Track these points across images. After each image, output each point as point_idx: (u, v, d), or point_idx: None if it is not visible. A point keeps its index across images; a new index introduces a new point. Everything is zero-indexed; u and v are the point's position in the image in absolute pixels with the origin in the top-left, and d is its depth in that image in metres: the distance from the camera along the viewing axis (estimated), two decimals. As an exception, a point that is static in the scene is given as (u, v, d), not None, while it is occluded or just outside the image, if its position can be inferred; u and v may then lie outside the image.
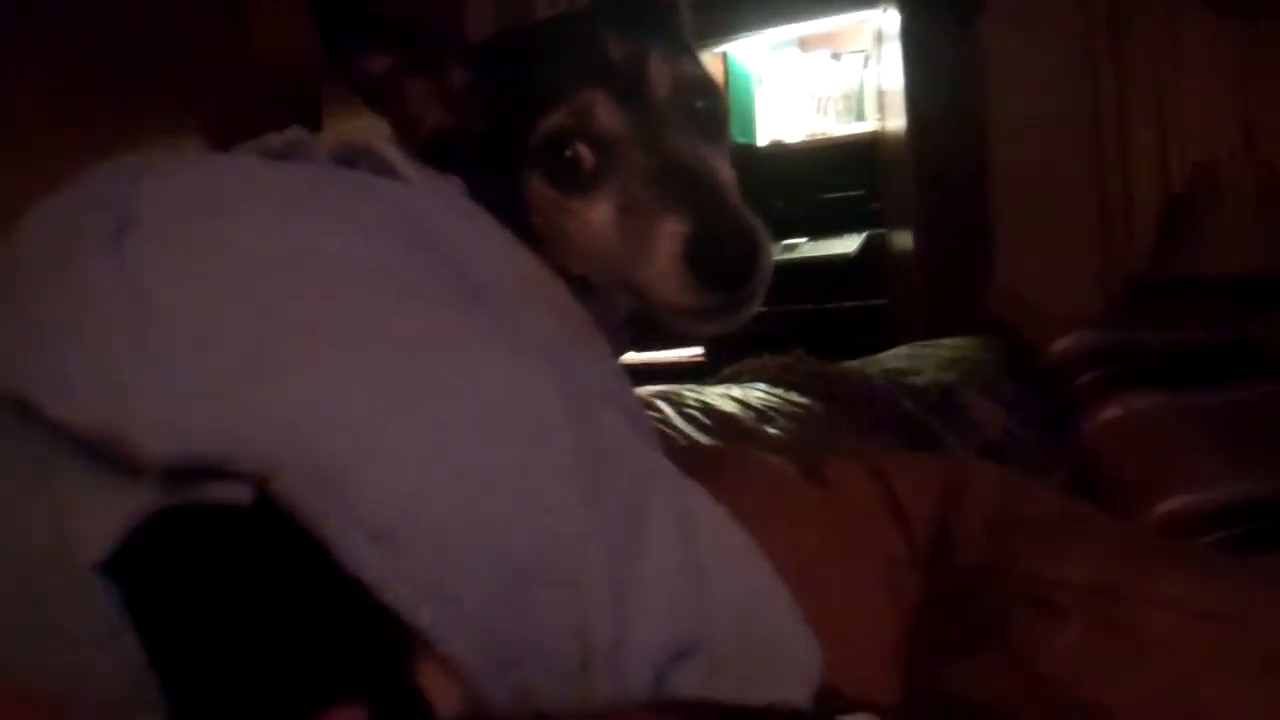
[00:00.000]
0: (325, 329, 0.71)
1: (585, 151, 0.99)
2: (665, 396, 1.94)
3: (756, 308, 0.97)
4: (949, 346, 2.57)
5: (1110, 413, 2.28)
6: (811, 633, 0.79)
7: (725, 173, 1.03)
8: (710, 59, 3.94)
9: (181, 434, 0.64)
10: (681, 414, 1.88)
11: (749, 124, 4.09)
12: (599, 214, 0.99)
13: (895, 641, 0.96)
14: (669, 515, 0.76)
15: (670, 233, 0.92)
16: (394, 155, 0.94)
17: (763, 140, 4.08)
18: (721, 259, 0.92)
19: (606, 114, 0.99)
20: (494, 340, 0.77)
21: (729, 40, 3.92)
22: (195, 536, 0.66)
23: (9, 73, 3.00)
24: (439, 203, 0.92)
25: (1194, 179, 3.21)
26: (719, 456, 1.27)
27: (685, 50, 1.09)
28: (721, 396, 2.02)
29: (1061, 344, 2.38)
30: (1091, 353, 2.35)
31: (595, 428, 0.76)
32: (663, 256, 0.92)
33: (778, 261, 3.14)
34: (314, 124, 3.43)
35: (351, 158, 0.94)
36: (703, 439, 1.81)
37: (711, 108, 1.05)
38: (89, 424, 0.64)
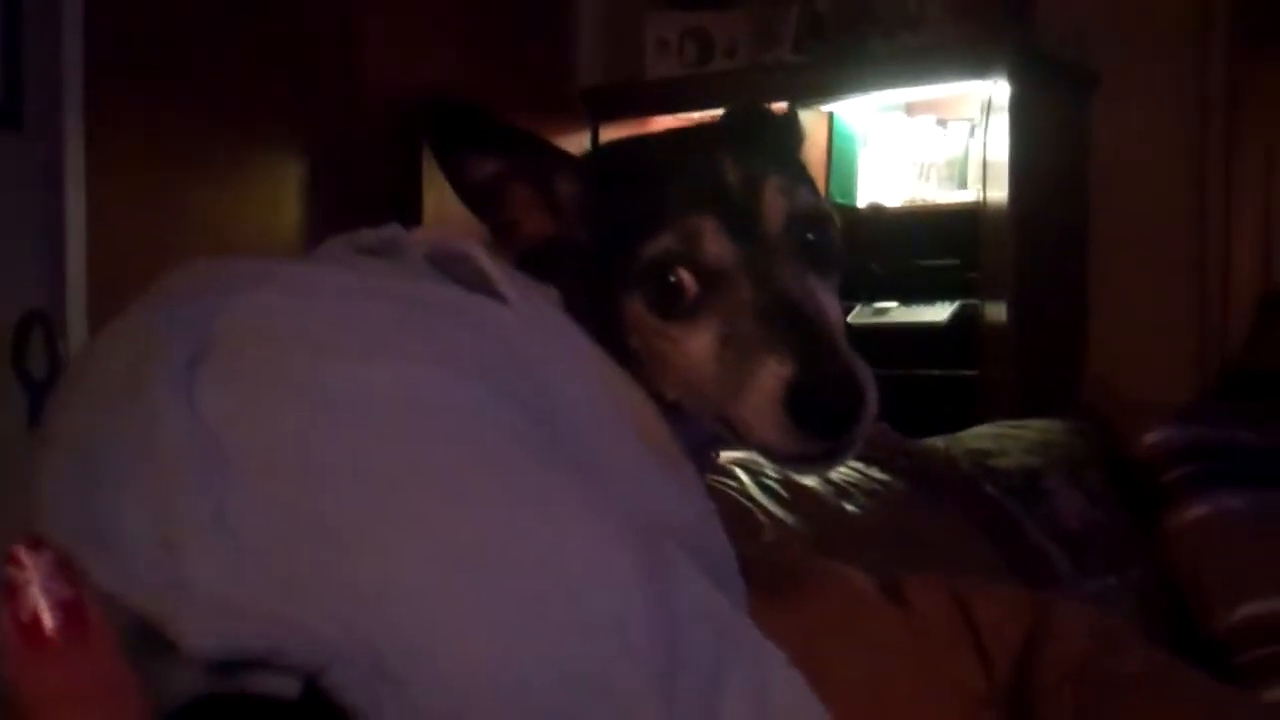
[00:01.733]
0: (404, 490, 0.66)
1: (689, 279, 0.96)
2: (744, 466, 1.93)
3: (855, 453, 0.93)
4: (1036, 429, 2.53)
5: (1196, 511, 2.23)
6: None
7: (835, 312, 0.99)
8: (815, 118, 3.94)
9: (231, 624, 0.59)
10: (759, 485, 1.87)
11: (850, 186, 4.07)
12: (699, 344, 0.96)
13: None
14: (746, 692, 0.71)
15: (773, 373, 0.89)
16: (490, 266, 0.91)
17: (863, 203, 4.06)
18: (824, 407, 0.89)
19: (715, 242, 0.96)
20: (577, 504, 0.72)
21: (835, 100, 3.92)
22: None
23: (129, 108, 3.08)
24: (533, 324, 0.89)
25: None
26: (799, 569, 1.25)
27: (802, 177, 1.05)
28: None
29: (1151, 436, 2.34)
30: (1182, 448, 2.31)
31: (675, 594, 0.72)
32: (762, 397, 0.90)
33: (868, 324, 3.13)
34: (417, 159, 3.46)
35: (448, 263, 0.92)
36: (780, 512, 1.80)
37: (825, 241, 1.01)
38: (135, 603, 0.59)
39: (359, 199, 3.37)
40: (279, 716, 0.60)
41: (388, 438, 0.68)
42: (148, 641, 0.58)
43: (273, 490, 0.65)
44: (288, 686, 0.59)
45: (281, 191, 3.47)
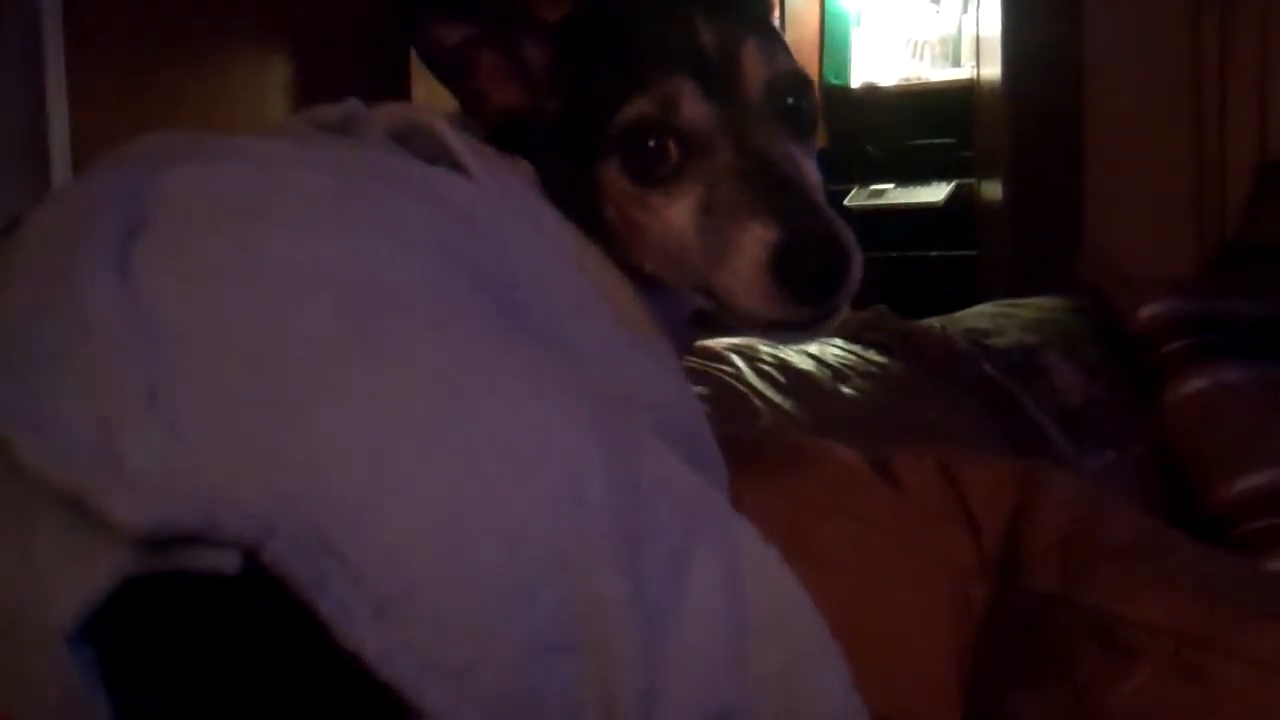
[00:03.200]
0: (342, 363, 0.64)
1: (669, 144, 0.93)
2: (740, 351, 1.91)
3: (841, 319, 0.92)
4: (1033, 307, 2.51)
5: (1195, 384, 2.22)
6: (859, 697, 0.74)
7: (815, 177, 0.97)
8: (808, -2, 3.89)
9: (165, 500, 0.57)
10: (756, 370, 1.86)
11: (844, 65, 4.01)
12: (679, 212, 0.93)
13: (959, 655, 0.93)
14: (713, 567, 0.70)
15: (757, 238, 0.87)
16: (455, 139, 0.89)
17: (856, 82, 4.00)
18: (810, 271, 0.87)
19: (694, 106, 0.93)
20: (532, 376, 0.71)
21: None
22: (179, 602, 0.60)
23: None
24: (496, 198, 0.87)
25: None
26: (788, 448, 1.24)
27: (777, 39, 1.02)
28: (798, 352, 1.99)
29: (1149, 310, 2.32)
30: (1180, 321, 2.29)
31: (637, 467, 0.70)
32: (747, 264, 0.88)
33: (864, 206, 3.10)
34: (403, 55, 3.41)
35: (409, 136, 0.90)
36: (777, 397, 1.79)
37: (804, 106, 0.99)
38: (66, 484, 0.57)
39: (345, 88, 3.28)
40: (219, 596, 0.59)
41: (330, 310, 0.67)
42: (82, 521, 0.57)
43: (210, 365, 0.63)
44: (226, 562, 0.58)
45: (267, 81, 3.43)
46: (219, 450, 0.61)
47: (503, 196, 0.88)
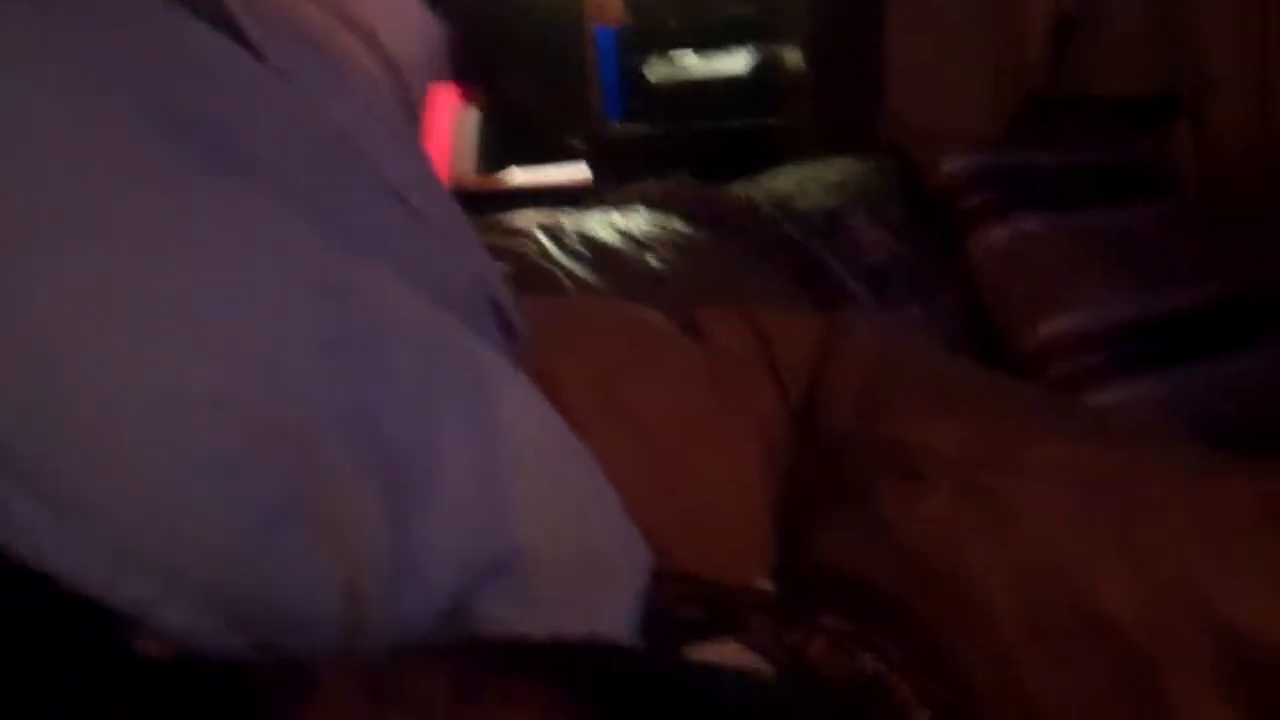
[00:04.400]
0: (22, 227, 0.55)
1: None
2: (544, 227, 1.88)
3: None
4: (836, 169, 2.51)
5: (997, 234, 2.25)
6: (643, 542, 0.71)
7: None
8: None
9: None
10: (560, 247, 1.83)
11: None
12: None
13: (769, 504, 0.93)
14: (463, 410, 0.65)
15: None
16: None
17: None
18: None
19: None
20: (231, 227, 0.63)
21: None
22: None
23: None
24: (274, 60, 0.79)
25: (1085, -2, 3.15)
26: (591, 309, 1.22)
27: None
28: (603, 225, 1.97)
29: (949, 165, 2.34)
30: (979, 174, 2.31)
31: (358, 313, 0.64)
32: None
33: (666, 79, 3.05)
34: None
35: None
36: (581, 271, 1.77)
37: None
38: None
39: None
40: None
41: (38, 175, 0.57)
42: None
43: None
44: None
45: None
46: None
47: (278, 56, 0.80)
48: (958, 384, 1.00)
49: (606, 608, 0.67)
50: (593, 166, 3.74)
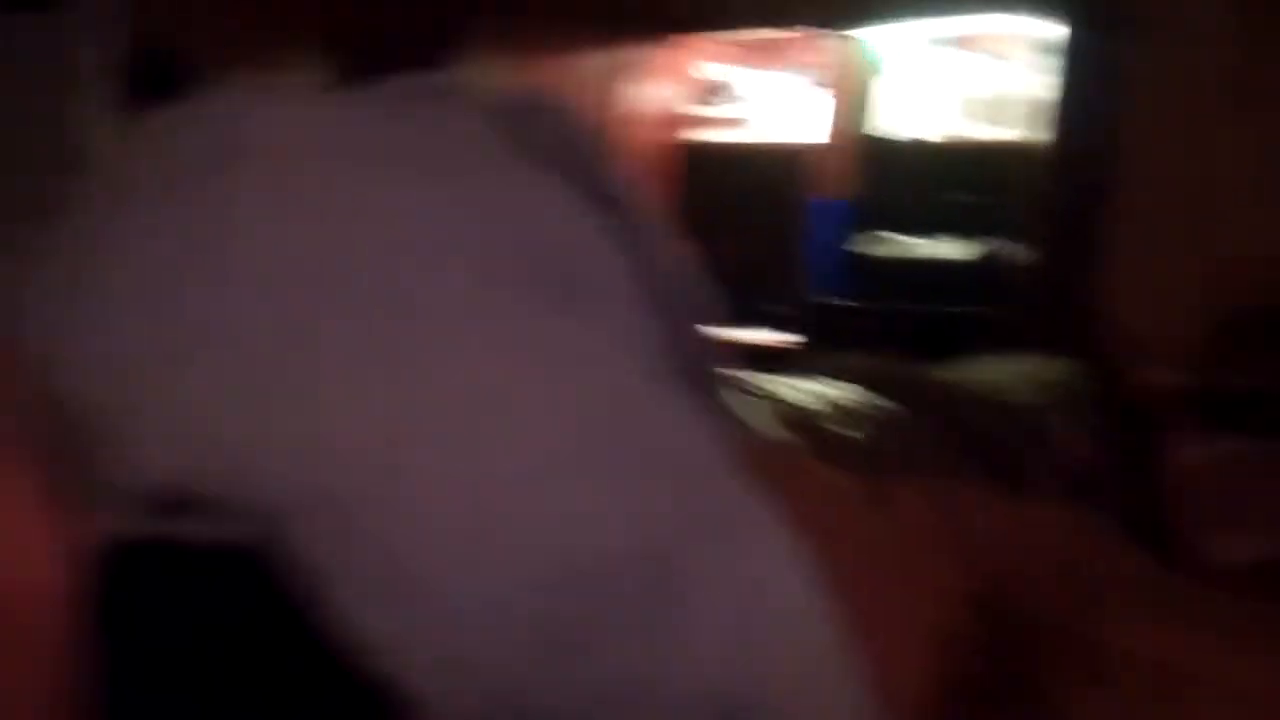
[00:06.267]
0: (383, 322, 0.60)
1: None
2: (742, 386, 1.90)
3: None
4: (1046, 367, 2.52)
5: (1193, 454, 2.23)
6: (873, 702, 0.71)
7: None
8: (845, 43, 3.90)
9: (186, 458, 0.53)
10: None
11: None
12: None
13: (937, 685, 0.93)
14: (743, 550, 0.66)
15: None
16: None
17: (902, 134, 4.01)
18: None
19: None
20: (560, 358, 0.66)
21: (868, 25, 3.88)
22: (181, 573, 0.56)
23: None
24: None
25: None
26: (785, 460, 1.23)
27: None
28: (791, 389, 2.00)
29: (1154, 378, 2.34)
30: (1181, 391, 2.31)
31: (664, 450, 0.66)
32: None
33: (893, 258, 3.04)
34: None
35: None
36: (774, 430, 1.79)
37: None
38: (87, 418, 0.54)
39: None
40: (218, 575, 0.56)
41: (394, 271, 0.62)
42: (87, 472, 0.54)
43: (257, 313, 0.58)
44: (231, 533, 0.54)
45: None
46: (252, 413, 0.56)
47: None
48: (1157, 585, 0.98)
49: None
50: (808, 335, 3.77)
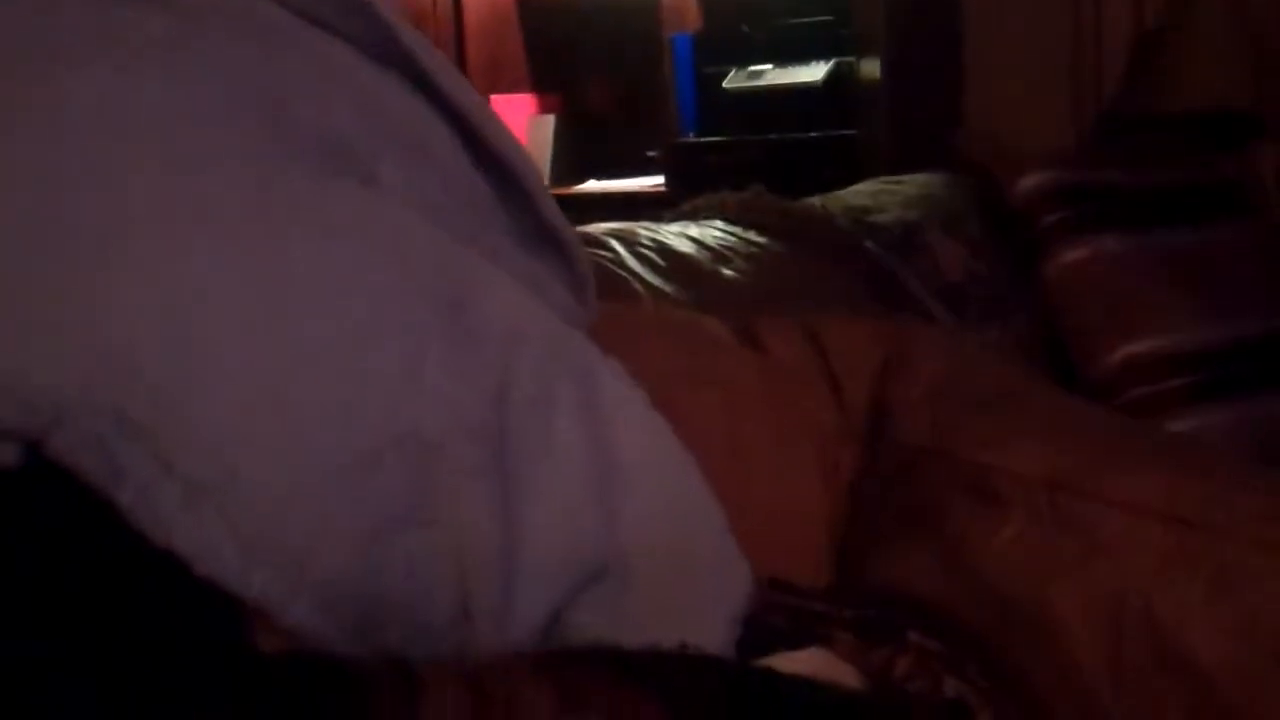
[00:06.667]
0: (137, 217, 0.57)
1: None
2: (619, 235, 1.88)
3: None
4: (914, 183, 2.50)
5: (1075, 254, 2.23)
6: (740, 551, 0.72)
7: None
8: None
9: None
10: (635, 255, 1.83)
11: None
12: None
13: (828, 519, 0.92)
14: (575, 413, 0.66)
15: None
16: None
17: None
18: None
19: None
20: (365, 234, 0.64)
21: None
22: None
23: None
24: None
25: (1166, 13, 3.12)
26: (652, 317, 1.22)
27: None
28: (677, 235, 1.97)
29: (1027, 182, 2.32)
30: (1058, 192, 2.29)
31: (484, 321, 0.65)
32: None
33: (742, 89, 3.07)
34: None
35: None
36: (656, 281, 1.77)
37: None
38: None
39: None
40: (25, 495, 0.52)
41: (137, 160, 0.59)
42: None
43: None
44: (3, 454, 0.52)
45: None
46: (11, 323, 0.53)
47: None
48: (1035, 403, 0.98)
49: (699, 619, 0.68)
50: (669, 177, 3.73)
